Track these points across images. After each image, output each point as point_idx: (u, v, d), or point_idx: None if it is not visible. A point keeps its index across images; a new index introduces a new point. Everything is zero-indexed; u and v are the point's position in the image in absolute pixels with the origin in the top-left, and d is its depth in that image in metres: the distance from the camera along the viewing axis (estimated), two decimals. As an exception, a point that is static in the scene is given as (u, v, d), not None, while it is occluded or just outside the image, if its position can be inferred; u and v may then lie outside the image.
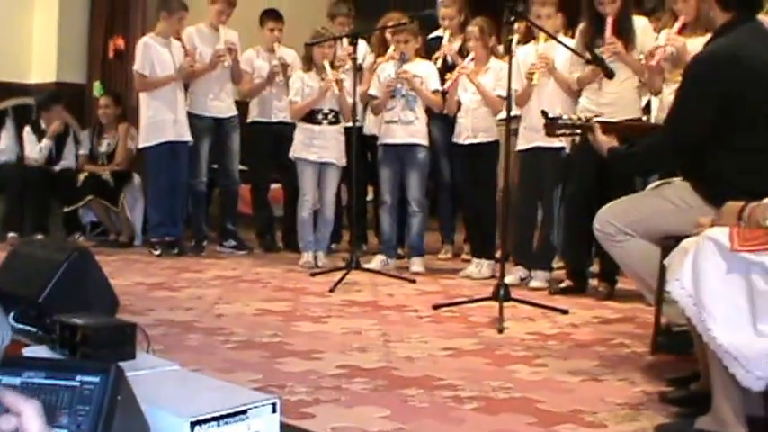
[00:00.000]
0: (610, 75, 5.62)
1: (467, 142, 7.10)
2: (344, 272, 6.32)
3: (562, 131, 4.58)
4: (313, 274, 6.70)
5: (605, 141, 4.33)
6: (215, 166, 8.40)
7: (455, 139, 7.22)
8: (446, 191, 8.13)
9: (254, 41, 8.47)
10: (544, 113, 4.59)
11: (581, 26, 6.37)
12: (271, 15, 8.37)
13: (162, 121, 7.78)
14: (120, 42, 9.30)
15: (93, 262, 4.26)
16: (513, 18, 5.52)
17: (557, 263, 6.85)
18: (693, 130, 3.97)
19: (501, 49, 7.01)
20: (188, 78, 8.03)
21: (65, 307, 3.42)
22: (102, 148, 8.84)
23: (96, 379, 1.83)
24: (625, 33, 6.12)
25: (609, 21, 6.07)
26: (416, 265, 7.21)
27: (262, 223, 8.57)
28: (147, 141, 7.87)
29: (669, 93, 5.66)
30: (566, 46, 5.99)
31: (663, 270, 3.59)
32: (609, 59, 5.88)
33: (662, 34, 6.02)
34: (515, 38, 6.39)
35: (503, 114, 6.04)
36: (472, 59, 7.04)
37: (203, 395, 2.54)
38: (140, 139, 8.01)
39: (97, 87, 9.36)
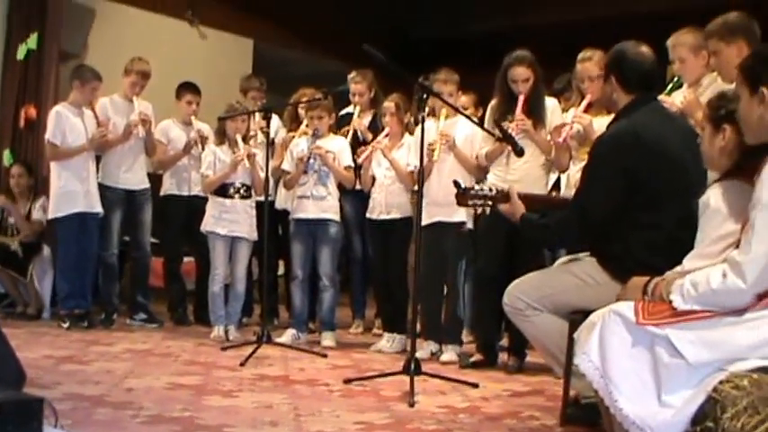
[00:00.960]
0: (519, 152, 5.73)
1: (380, 218, 7.17)
2: (256, 346, 6.27)
3: (473, 202, 4.63)
4: (224, 348, 6.64)
5: (520, 208, 4.43)
6: (126, 239, 8.34)
7: (369, 215, 7.29)
8: (358, 265, 8.18)
9: (169, 114, 8.47)
10: (456, 184, 4.64)
11: (492, 103, 6.50)
12: (188, 88, 8.39)
13: (73, 191, 7.71)
14: (32, 111, 9.20)
15: (0, 334, 4.19)
16: (425, 95, 5.60)
17: (466, 337, 6.90)
18: (599, 208, 4.11)
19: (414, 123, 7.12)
20: (100, 149, 7.98)
21: (-30, 381, 3.36)
22: (12, 219, 8.69)
23: (2, 455, 1.81)
24: (535, 112, 6.27)
25: (521, 99, 6.21)
26: (328, 339, 7.19)
27: (173, 296, 8.49)
28: (58, 212, 7.77)
29: (576, 170, 5.81)
30: (475, 122, 6.10)
31: (571, 344, 3.66)
32: (518, 137, 6.00)
33: (569, 113, 6.17)
34: (426, 111, 6.47)
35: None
36: (386, 135, 7.13)
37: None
38: (50, 209, 7.91)
39: (7, 156, 9.24)
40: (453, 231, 6.63)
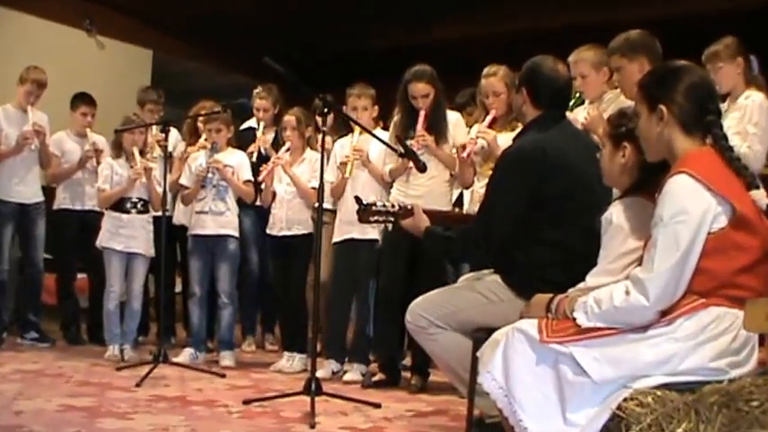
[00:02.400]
0: (421, 168, 5.69)
1: (281, 234, 7.06)
2: (152, 366, 6.16)
3: (375, 218, 4.58)
4: (119, 368, 6.51)
5: (424, 221, 4.39)
6: (19, 254, 8.12)
7: (269, 231, 7.18)
8: (253, 281, 8.08)
9: (64, 125, 8.29)
10: (358, 200, 4.59)
11: (395, 119, 6.49)
12: (84, 99, 8.23)
13: (-38, 205, 7.51)
14: None
15: None
16: (326, 109, 5.54)
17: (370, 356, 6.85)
18: (504, 223, 4.12)
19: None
20: (-8, 160, 7.76)
21: None
22: None
23: None
24: (437, 127, 6.26)
25: (421, 114, 6.21)
26: (227, 359, 7.09)
27: (66, 314, 8.31)
28: (-54, 227, 7.56)
29: (480, 186, 5.81)
30: (379, 139, 6.02)
31: (475, 362, 3.64)
32: (419, 152, 5.96)
33: (474, 128, 6.17)
34: (327, 126, 6.41)
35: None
36: (287, 150, 7.03)
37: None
38: (-62, 224, 7.67)
39: None
40: (366, 249, 6.60)
